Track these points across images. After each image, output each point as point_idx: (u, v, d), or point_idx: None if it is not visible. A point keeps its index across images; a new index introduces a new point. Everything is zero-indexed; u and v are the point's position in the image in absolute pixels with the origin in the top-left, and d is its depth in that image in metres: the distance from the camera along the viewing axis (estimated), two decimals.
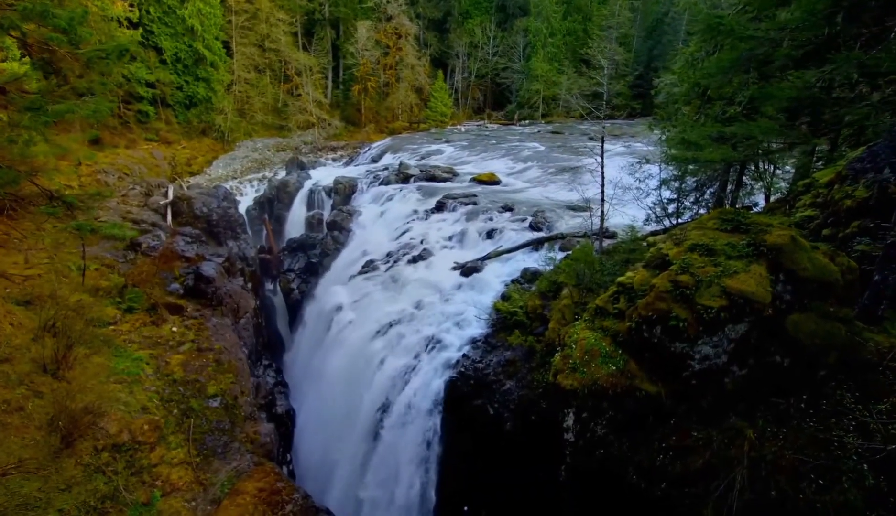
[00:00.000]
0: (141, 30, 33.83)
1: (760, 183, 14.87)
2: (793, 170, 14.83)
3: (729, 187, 15.63)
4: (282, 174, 38.56)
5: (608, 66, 14.19)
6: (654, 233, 16.42)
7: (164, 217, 22.03)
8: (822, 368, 7.52)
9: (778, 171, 14.90)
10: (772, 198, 14.97)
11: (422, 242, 19.80)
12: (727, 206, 15.48)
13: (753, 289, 7.45)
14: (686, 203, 16.90)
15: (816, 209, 10.71)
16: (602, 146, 14.25)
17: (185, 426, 10.75)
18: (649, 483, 8.12)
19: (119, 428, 9.49)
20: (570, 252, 16.10)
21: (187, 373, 12.06)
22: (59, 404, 8.42)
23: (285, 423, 15.35)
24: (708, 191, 16.15)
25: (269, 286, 26.76)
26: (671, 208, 16.85)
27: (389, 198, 26.03)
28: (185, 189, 28.18)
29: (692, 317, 7.83)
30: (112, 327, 12.28)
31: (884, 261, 7.52)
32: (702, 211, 16.25)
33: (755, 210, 14.40)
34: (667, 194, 17.05)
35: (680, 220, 16.96)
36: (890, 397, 6.52)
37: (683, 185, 16.38)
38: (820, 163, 14.12)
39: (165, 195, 23.77)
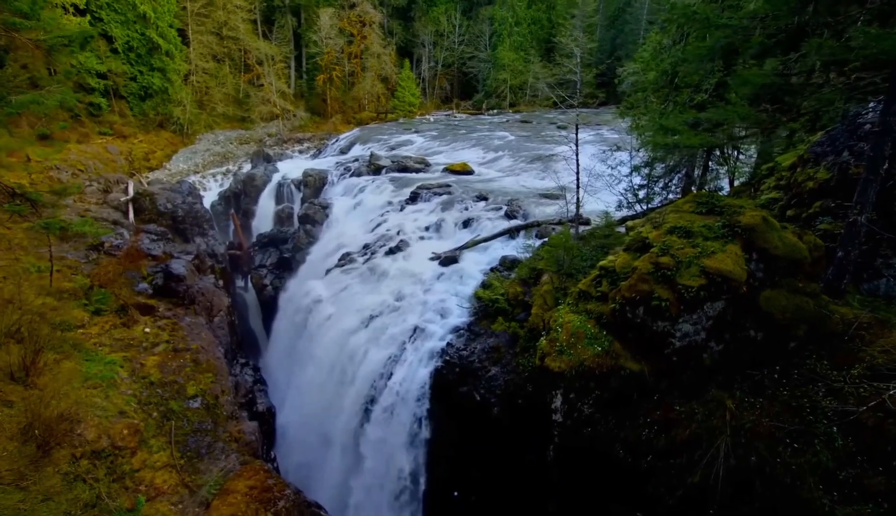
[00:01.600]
0: (88, 17, 31.93)
1: (725, 168, 15.52)
2: (754, 156, 15.54)
3: (696, 172, 16.25)
4: (247, 167, 37.45)
5: (579, 55, 14.42)
6: (626, 219, 16.94)
7: (126, 214, 21.04)
8: (793, 340, 8.01)
9: (741, 157, 15.58)
10: (735, 183, 15.68)
11: (398, 233, 19.70)
12: (694, 191, 16.11)
13: (730, 267, 7.83)
14: (655, 189, 17.48)
15: (780, 191, 11.30)
16: (577, 134, 14.53)
17: (166, 428, 10.43)
18: (636, 457, 8.48)
19: (97, 434, 9.12)
20: (546, 239, 16.40)
21: (165, 374, 11.67)
22: (33, 412, 8.01)
23: (267, 421, 15.09)
24: (676, 177, 16.74)
25: (240, 283, 26.08)
26: (642, 194, 17.38)
27: (362, 190, 25.72)
28: (146, 184, 26.98)
29: (673, 296, 8.17)
30: (81, 330, 11.72)
31: (846, 239, 8.04)
32: (671, 196, 16.84)
33: (721, 194, 15.03)
34: (637, 181, 17.58)
35: (650, 206, 17.55)
36: (857, 364, 7.03)
37: (653, 172, 16.92)
38: (778, 148, 14.86)
39: (125, 191, 22.67)
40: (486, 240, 17.93)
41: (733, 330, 8.24)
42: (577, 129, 14.65)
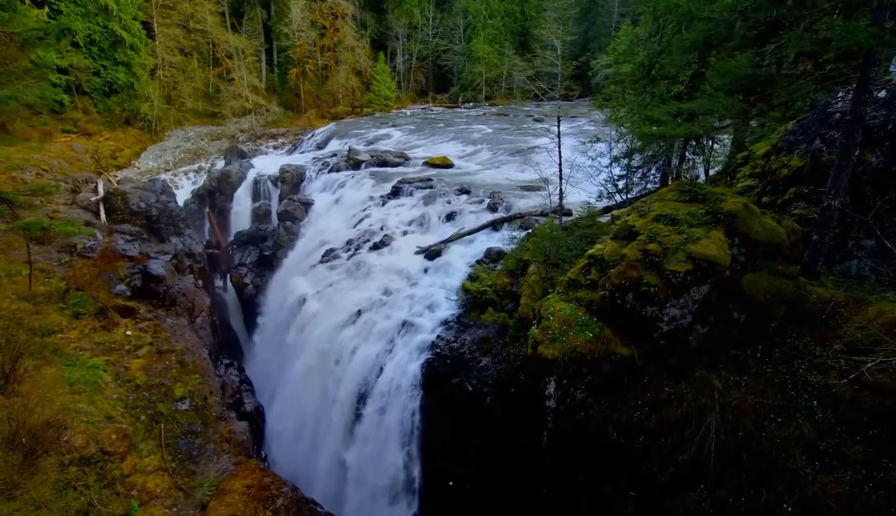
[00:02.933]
0: (47, 9, 30.49)
1: (701, 157, 16.01)
2: (728, 145, 16.08)
3: (673, 162, 16.70)
4: (220, 164, 36.55)
5: (560, 47, 14.60)
6: (607, 209, 17.32)
7: (97, 215, 20.31)
8: (774, 321, 8.39)
9: (716, 146, 16.09)
10: (710, 172, 16.20)
11: (382, 228, 19.62)
12: (671, 180, 16.56)
13: (715, 252, 8.14)
14: (634, 179, 17.90)
15: (755, 179, 11.75)
16: (559, 126, 14.73)
17: (155, 432, 10.22)
18: (629, 438, 8.76)
19: (85, 440, 8.87)
20: (530, 230, 16.62)
21: (150, 376, 11.40)
22: (18, 420, 7.74)
23: (256, 421, 14.91)
24: (654, 167, 17.17)
25: (219, 282, 25.54)
26: (621, 184, 17.78)
27: (342, 186, 25.47)
28: (115, 183, 26.08)
29: (661, 282, 8.44)
30: (59, 335, 11.32)
31: (820, 223, 8.45)
32: (649, 185, 17.28)
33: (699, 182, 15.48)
34: (616, 171, 17.96)
35: (629, 196, 17.97)
36: (835, 340, 7.43)
37: (632, 162, 17.31)
38: (751, 138, 15.40)
39: (95, 191, 21.87)
40: (470, 232, 18.04)
41: (718, 312, 8.58)
42: (559, 121, 14.86)
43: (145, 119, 37.91)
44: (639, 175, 17.75)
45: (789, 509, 6.70)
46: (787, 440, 7.14)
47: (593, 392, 9.23)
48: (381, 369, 13.16)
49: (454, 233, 18.26)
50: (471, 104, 55.17)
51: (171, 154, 38.74)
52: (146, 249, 18.30)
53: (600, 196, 17.97)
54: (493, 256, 16.07)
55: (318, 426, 13.80)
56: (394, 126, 40.55)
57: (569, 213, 17.76)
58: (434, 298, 14.66)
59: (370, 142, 35.18)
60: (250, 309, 22.77)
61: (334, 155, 31.24)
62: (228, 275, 24.80)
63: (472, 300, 14.04)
